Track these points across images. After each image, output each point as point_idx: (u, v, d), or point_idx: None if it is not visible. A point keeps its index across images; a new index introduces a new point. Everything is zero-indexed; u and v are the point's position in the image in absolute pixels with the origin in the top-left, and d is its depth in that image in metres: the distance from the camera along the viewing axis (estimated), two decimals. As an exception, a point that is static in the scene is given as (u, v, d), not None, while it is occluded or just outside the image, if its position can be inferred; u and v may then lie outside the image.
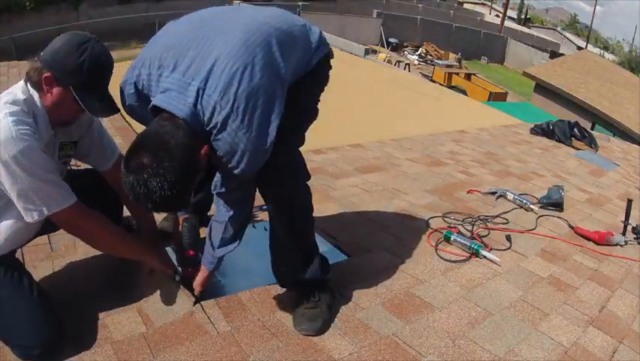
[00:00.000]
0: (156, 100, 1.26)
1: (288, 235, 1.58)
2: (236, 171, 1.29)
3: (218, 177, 1.49)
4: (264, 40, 1.29)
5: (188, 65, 1.24)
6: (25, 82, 1.38)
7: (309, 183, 1.63)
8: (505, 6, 31.72)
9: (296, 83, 1.43)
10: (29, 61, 1.39)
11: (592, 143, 5.08)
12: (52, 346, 1.38)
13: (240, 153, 1.25)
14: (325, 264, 1.72)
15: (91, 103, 1.38)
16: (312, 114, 1.63)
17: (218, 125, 1.22)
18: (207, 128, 1.24)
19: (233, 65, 1.22)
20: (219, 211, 1.55)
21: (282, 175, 1.46)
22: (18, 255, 1.84)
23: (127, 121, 3.71)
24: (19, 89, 1.37)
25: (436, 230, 2.38)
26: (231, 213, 1.51)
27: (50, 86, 1.35)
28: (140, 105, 1.36)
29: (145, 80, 1.31)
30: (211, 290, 1.76)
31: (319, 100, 1.65)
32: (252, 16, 1.38)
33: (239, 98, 1.20)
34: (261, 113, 1.23)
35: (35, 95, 1.37)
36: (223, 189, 1.48)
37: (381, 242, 2.23)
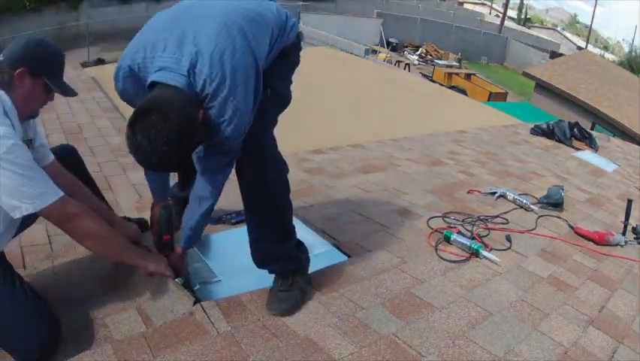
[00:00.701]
0: (154, 76, 1.38)
1: (263, 213, 1.69)
2: (225, 135, 1.44)
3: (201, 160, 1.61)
4: (239, 24, 1.44)
5: (177, 45, 1.38)
6: None
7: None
8: (505, 6, 31.74)
9: (270, 66, 1.61)
10: None
11: (592, 143, 5.08)
12: (50, 346, 1.38)
13: (228, 118, 1.41)
14: (302, 248, 1.80)
15: (62, 86, 1.53)
16: (287, 99, 1.77)
17: (209, 96, 1.38)
18: (201, 98, 1.39)
19: (217, 44, 1.37)
20: (195, 188, 1.66)
21: (252, 153, 1.60)
22: (18, 255, 1.85)
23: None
24: None
25: (436, 230, 2.38)
26: (207, 190, 1.64)
27: (22, 81, 1.43)
28: (135, 88, 1.48)
29: (141, 64, 1.42)
30: (211, 291, 1.76)
31: (291, 82, 1.79)
32: (228, 2, 1.54)
33: (225, 71, 1.36)
34: (244, 85, 1.40)
35: (3, 94, 1.40)
36: (207, 170, 1.62)
37: (381, 242, 2.23)
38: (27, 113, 1.50)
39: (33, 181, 1.33)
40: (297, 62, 1.77)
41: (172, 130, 1.27)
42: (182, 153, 1.34)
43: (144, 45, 1.42)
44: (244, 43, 1.41)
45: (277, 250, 1.71)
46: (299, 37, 1.72)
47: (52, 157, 1.69)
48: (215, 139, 1.46)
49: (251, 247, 1.72)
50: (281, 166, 1.70)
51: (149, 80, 1.39)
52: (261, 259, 1.74)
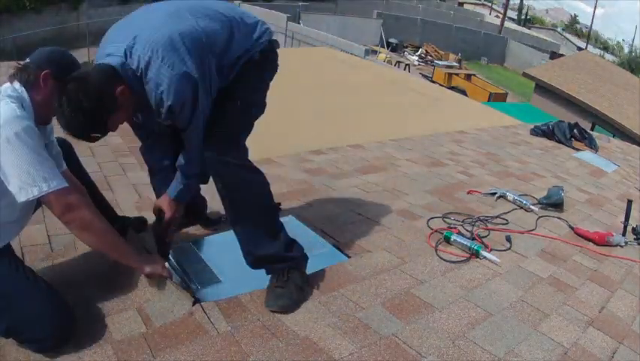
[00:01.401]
0: (98, 59, 1.53)
1: (245, 220, 1.74)
2: (167, 104, 1.49)
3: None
4: (187, 19, 1.54)
5: (123, 36, 1.51)
6: (12, 83, 1.47)
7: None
8: (505, 6, 31.77)
9: (240, 77, 1.69)
10: (14, 67, 1.52)
11: (592, 144, 5.08)
12: (64, 334, 1.40)
13: (166, 86, 1.47)
14: (296, 246, 1.82)
15: None
16: (260, 108, 1.82)
17: (143, 69, 1.47)
18: (138, 75, 1.49)
19: (156, 29, 1.49)
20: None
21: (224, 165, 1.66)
22: (18, 255, 1.85)
23: (127, 121, 3.71)
24: (8, 89, 1.45)
25: (436, 230, 2.38)
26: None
27: (46, 82, 1.49)
28: None
29: (99, 54, 1.56)
30: (211, 291, 1.76)
31: (266, 93, 1.84)
32: (186, 3, 1.64)
33: (157, 45, 1.45)
34: (176, 52, 1.47)
35: (25, 93, 1.46)
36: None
37: (381, 242, 2.23)
38: (43, 117, 1.52)
39: (42, 165, 1.36)
40: (273, 69, 1.84)
41: (83, 93, 1.39)
42: (90, 120, 1.43)
43: (107, 37, 1.58)
44: (186, 33, 1.50)
45: (267, 254, 1.74)
46: (272, 44, 1.79)
47: (64, 166, 1.71)
48: (163, 112, 1.53)
49: (243, 256, 1.76)
50: (256, 174, 1.74)
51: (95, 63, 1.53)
52: (254, 264, 1.77)
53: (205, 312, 1.61)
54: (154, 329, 1.52)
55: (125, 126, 3.74)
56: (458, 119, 5.68)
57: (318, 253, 2.08)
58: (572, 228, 2.67)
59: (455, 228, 2.43)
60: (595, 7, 39.11)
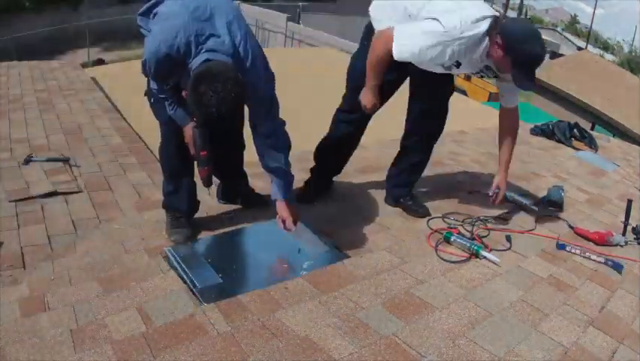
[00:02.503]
0: (207, 55, 1.68)
1: None
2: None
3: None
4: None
5: (217, 31, 1.72)
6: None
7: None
8: (505, 6, 31.75)
9: None
10: None
11: (592, 143, 5.08)
12: None
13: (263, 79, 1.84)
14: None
15: None
16: None
17: (249, 63, 1.78)
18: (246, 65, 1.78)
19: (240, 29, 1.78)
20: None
21: None
22: (18, 255, 1.85)
23: (127, 121, 3.72)
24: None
25: (435, 231, 2.38)
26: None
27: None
28: (171, 67, 1.75)
29: (183, 46, 1.68)
30: (212, 291, 1.76)
31: None
32: None
33: (253, 49, 1.80)
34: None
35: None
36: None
37: (381, 242, 2.23)
38: None
39: None
40: None
41: (238, 81, 1.62)
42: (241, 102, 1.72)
43: (185, 30, 1.68)
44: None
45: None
46: None
47: None
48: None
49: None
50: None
51: (204, 58, 1.67)
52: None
53: (205, 312, 1.61)
54: (154, 329, 1.52)
55: (124, 126, 3.72)
56: (458, 119, 5.66)
57: (318, 253, 2.08)
58: (572, 228, 2.67)
59: (455, 228, 2.43)
60: (595, 7, 39.08)
